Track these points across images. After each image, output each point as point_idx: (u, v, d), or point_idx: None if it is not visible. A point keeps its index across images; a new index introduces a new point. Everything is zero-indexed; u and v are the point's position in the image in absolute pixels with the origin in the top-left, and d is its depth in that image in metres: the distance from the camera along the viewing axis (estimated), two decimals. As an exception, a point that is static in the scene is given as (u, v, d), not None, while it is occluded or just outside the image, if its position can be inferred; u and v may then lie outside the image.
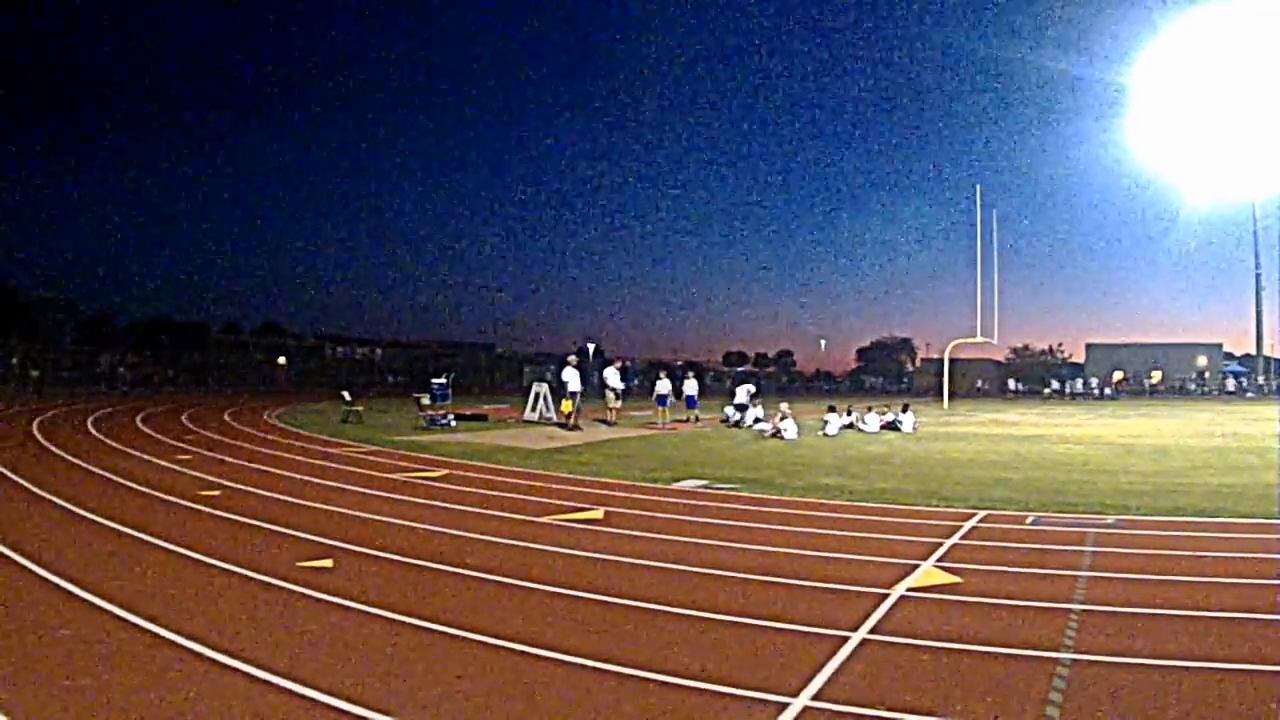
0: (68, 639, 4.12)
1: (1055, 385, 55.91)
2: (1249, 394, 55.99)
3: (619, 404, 20.95)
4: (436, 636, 4.23)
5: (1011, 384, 66.46)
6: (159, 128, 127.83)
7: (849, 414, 20.81)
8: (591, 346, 24.16)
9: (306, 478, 10.44)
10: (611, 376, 21.01)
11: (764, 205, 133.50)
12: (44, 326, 53.35)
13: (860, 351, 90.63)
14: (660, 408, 22.10)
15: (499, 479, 10.48)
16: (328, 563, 5.77)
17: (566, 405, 18.55)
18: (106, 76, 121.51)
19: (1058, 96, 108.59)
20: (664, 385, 23.03)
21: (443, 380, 21.60)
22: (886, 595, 5.03)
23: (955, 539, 6.77)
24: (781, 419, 17.36)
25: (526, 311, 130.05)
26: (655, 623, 4.53)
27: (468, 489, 9.56)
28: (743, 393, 23.31)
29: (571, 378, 18.79)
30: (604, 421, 20.12)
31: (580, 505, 8.37)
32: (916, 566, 5.78)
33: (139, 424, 18.93)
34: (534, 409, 22.15)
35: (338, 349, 76.16)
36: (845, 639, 4.19)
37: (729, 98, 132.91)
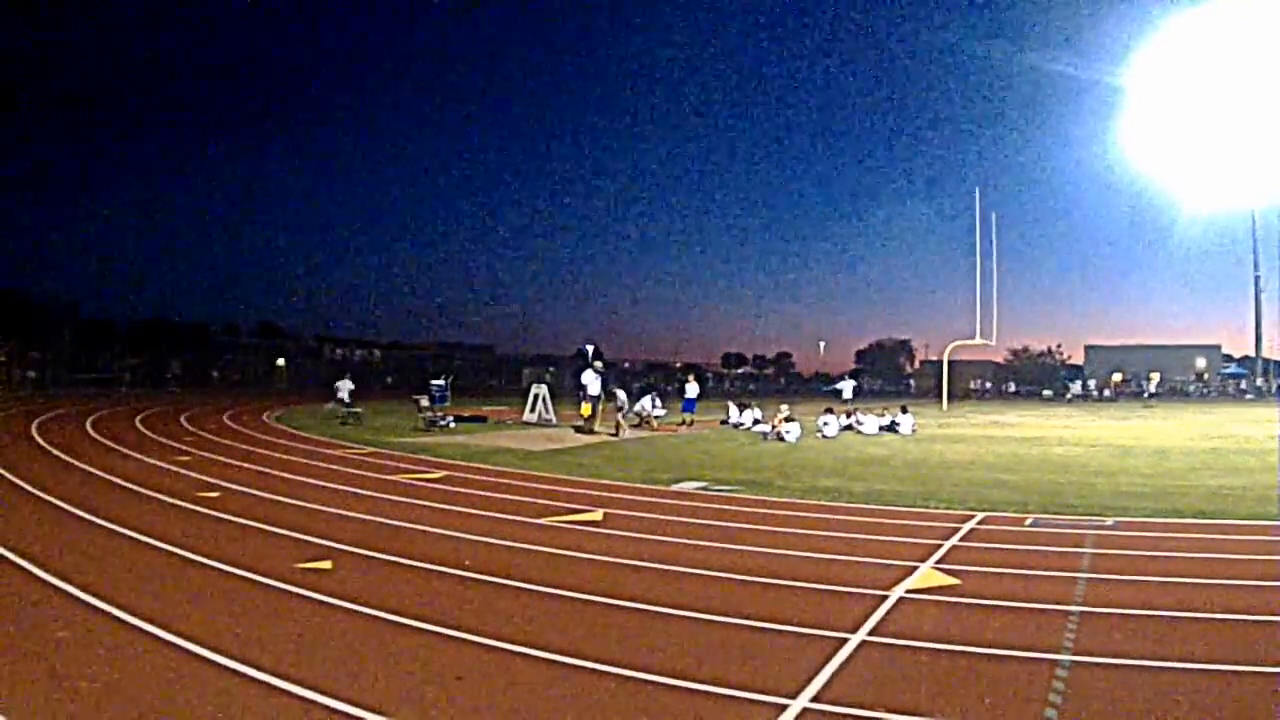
0: (67, 639, 4.12)
1: (1078, 388, 55.24)
2: (1248, 394, 56.02)
3: (662, 413, 21.58)
4: (435, 637, 4.23)
5: (1012, 385, 66.52)
6: (159, 129, 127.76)
7: (848, 415, 20.80)
8: (590, 348, 24.15)
9: (305, 479, 10.44)
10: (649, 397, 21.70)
11: (763, 206, 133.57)
12: (43, 328, 53.26)
13: (859, 353, 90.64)
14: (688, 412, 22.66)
15: (498, 480, 10.48)
16: (326, 564, 5.77)
17: (585, 408, 18.52)
18: (106, 78, 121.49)
19: (1057, 98, 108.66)
20: (692, 389, 23.32)
21: (442, 382, 21.59)
22: (886, 597, 5.03)
23: (954, 541, 6.77)
24: (784, 420, 17.36)
25: (526, 312, 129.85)
26: (654, 624, 4.53)
27: (466, 490, 9.56)
28: (848, 388, 23.29)
29: (591, 381, 18.76)
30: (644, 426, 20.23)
31: (579, 507, 8.37)
32: (916, 568, 5.78)
33: (138, 425, 18.91)
34: (533, 410, 22.15)
35: (336, 350, 76.17)
36: (844, 640, 4.19)
37: (728, 98, 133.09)
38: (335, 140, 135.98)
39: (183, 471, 10.88)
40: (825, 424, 18.58)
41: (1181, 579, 5.56)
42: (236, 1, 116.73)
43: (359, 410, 21.61)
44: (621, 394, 20.91)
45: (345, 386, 24.20)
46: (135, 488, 9.34)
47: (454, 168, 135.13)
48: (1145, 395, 51.64)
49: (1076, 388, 55.89)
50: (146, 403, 28.46)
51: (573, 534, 7.04)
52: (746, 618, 4.59)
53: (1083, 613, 4.72)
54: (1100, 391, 57.27)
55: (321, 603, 4.83)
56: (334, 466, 11.83)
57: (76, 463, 11.63)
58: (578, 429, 18.60)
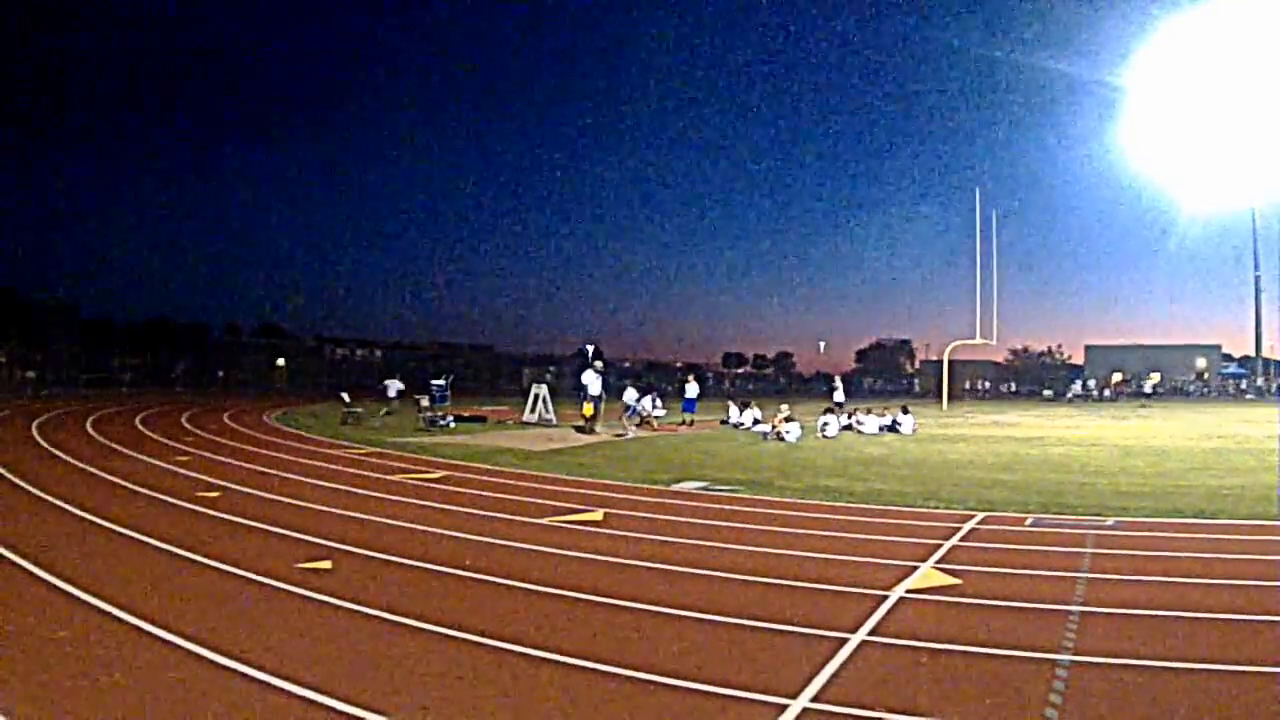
0: (68, 639, 4.12)
1: (1078, 388, 54.93)
2: (1249, 394, 56.01)
3: (662, 413, 21.78)
4: (435, 638, 4.23)
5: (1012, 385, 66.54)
6: (159, 129, 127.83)
7: (849, 415, 20.80)
8: (591, 348, 24.23)
9: (305, 479, 10.44)
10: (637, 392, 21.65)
11: (763, 206, 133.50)
12: (44, 328, 53.25)
13: (859, 353, 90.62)
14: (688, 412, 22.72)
15: (498, 480, 10.48)
16: (326, 564, 5.77)
17: (587, 408, 18.52)
18: (107, 78, 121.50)
19: (1057, 98, 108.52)
20: (693, 389, 23.35)
21: (442, 382, 21.61)
22: (886, 597, 5.03)
23: (954, 540, 6.77)
24: (784, 420, 17.35)
25: (526, 312, 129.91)
26: (655, 624, 4.53)
27: (466, 490, 9.56)
28: (838, 394, 23.56)
29: (592, 381, 18.67)
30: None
31: (579, 507, 8.37)
32: (916, 568, 5.78)
33: (138, 425, 18.92)
34: (533, 410, 22.16)
35: (337, 350, 76.20)
36: (845, 640, 4.19)
37: (729, 98, 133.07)
38: (335, 140, 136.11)
39: (183, 471, 10.89)
40: (825, 424, 18.58)
41: (1181, 579, 5.55)
42: (236, 2, 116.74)
43: (359, 410, 21.61)
44: (632, 393, 20.86)
45: (395, 385, 24.10)
46: (135, 488, 9.34)
47: (454, 168, 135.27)
48: (1140, 395, 51.04)
49: (1077, 388, 55.86)
50: (147, 403, 28.47)
51: (573, 534, 7.04)
52: (746, 618, 4.58)
53: (1083, 613, 4.71)
54: (1100, 391, 57.24)
55: (321, 603, 4.83)
56: (334, 466, 11.83)
57: (77, 463, 11.63)
58: (579, 429, 18.60)
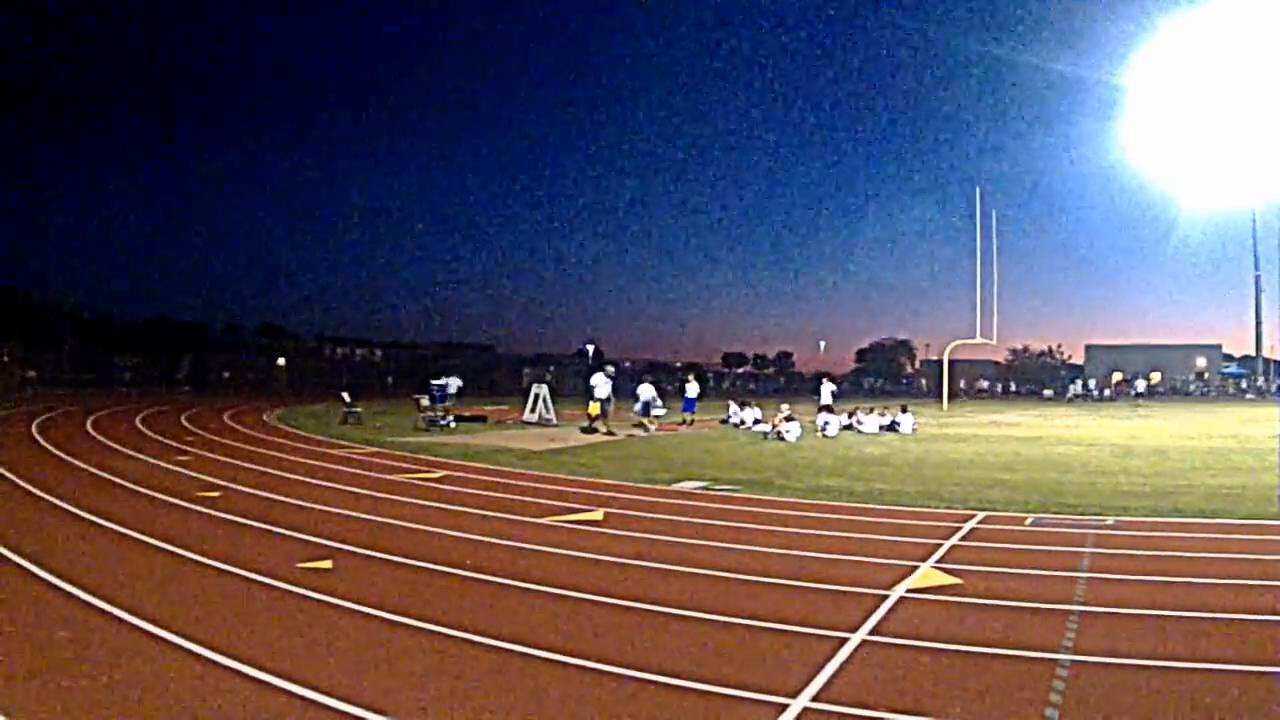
0: (68, 639, 4.12)
1: (1078, 388, 54.71)
2: (1249, 394, 56.01)
3: (663, 413, 21.75)
4: (436, 637, 4.23)
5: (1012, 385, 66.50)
6: (159, 128, 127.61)
7: (848, 415, 20.80)
8: (591, 348, 24.24)
9: (306, 479, 10.44)
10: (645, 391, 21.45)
11: (763, 206, 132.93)
12: (44, 328, 53.25)
13: (859, 353, 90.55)
14: (688, 412, 22.74)
15: (498, 480, 10.48)
16: (327, 564, 5.77)
17: (593, 408, 18.67)
18: (105, 76, 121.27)
19: (1058, 97, 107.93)
20: (693, 389, 23.37)
21: (442, 381, 21.59)
22: (886, 596, 5.03)
23: (955, 540, 6.77)
24: (784, 420, 17.35)
25: (526, 312, 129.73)
26: (655, 624, 4.53)
27: (467, 490, 9.56)
28: (826, 392, 23.40)
29: (601, 383, 19.01)
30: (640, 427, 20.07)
31: (579, 506, 8.37)
32: (916, 568, 5.78)
33: (138, 425, 18.92)
34: (533, 410, 22.16)
35: (337, 350, 76.17)
36: (845, 640, 4.19)
37: (728, 98, 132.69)
38: (335, 140, 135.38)
39: (183, 471, 10.89)
40: (826, 423, 18.58)
41: (1182, 578, 5.56)
42: (236, 1, 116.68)
43: (359, 410, 21.59)
44: (649, 390, 20.72)
45: (454, 383, 22.94)
46: (136, 487, 9.34)
47: (454, 168, 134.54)
48: (1133, 395, 50.23)
49: (1077, 387, 55.72)
50: (147, 402, 28.46)
51: (573, 533, 7.04)
52: (746, 618, 4.59)
53: (1083, 612, 4.71)
54: (1101, 391, 57.19)
55: (322, 603, 4.83)
56: (335, 466, 11.83)
57: (77, 462, 11.63)
58: (584, 429, 18.63)
